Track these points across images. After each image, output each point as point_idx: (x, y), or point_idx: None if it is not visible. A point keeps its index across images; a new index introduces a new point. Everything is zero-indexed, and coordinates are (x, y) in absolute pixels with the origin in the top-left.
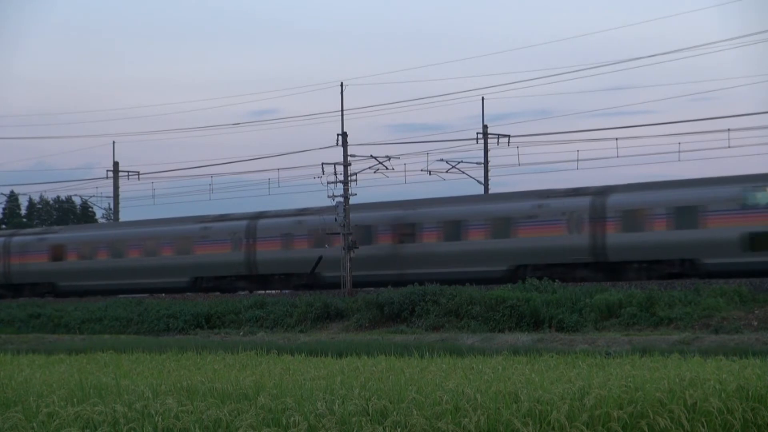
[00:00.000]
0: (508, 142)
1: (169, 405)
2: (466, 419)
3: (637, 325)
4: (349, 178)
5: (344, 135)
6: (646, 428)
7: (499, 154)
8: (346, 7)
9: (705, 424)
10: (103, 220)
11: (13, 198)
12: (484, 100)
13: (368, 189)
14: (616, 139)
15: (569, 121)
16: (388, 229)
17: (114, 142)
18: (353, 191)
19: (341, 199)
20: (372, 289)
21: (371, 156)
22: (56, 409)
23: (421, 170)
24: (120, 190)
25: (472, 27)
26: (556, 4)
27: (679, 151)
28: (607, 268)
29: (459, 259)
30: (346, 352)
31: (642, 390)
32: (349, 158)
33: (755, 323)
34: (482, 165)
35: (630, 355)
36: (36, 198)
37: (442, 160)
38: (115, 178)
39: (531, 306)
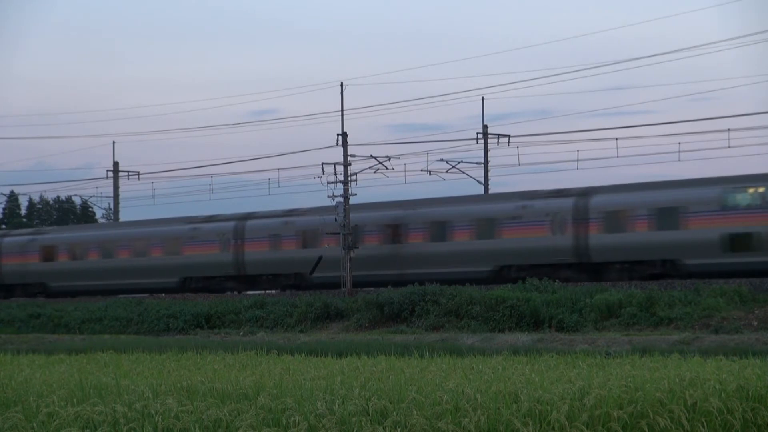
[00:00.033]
0: (508, 142)
1: (169, 405)
2: (466, 419)
3: (637, 325)
4: (349, 178)
5: (344, 135)
6: (646, 428)
7: (499, 154)
8: (346, 7)
9: (705, 424)
10: (103, 220)
11: (13, 198)
12: (484, 100)
13: (368, 189)
14: (616, 139)
15: (569, 121)
16: (375, 230)
17: (114, 142)
18: (353, 191)
19: (341, 199)
20: (372, 289)
21: (371, 156)
22: (56, 409)
23: (421, 170)
24: (120, 190)
25: (472, 27)
26: (556, 4)
27: (679, 151)
28: (590, 268)
29: (444, 259)
30: (346, 352)
31: (642, 390)
32: (349, 158)
33: (755, 323)
34: (482, 165)
35: (630, 355)
36: (36, 198)
37: (442, 160)
38: (115, 178)
39: (531, 306)
